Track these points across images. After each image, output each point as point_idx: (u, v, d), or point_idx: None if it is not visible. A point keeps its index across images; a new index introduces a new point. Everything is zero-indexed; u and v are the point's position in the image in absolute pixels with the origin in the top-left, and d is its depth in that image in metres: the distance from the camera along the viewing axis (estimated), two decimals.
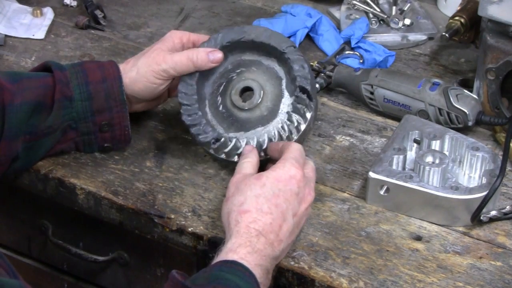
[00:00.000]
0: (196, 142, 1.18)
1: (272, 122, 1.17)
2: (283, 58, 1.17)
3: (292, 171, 1.03)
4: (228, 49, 1.19)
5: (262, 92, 1.18)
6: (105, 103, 1.17)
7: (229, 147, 1.15)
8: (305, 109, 1.15)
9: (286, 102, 1.18)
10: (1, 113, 1.12)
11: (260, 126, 1.18)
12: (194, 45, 1.21)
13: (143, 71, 1.17)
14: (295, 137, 1.15)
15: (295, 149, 1.07)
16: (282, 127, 1.15)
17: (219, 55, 1.17)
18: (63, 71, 1.17)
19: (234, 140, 1.15)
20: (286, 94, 1.18)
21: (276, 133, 1.15)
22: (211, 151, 1.16)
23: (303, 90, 1.15)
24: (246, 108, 1.17)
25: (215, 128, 1.19)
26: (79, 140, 1.20)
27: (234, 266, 0.95)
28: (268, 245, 0.98)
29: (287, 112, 1.16)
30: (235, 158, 1.15)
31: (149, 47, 1.21)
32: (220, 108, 1.20)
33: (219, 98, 1.20)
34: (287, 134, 1.15)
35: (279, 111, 1.17)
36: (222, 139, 1.15)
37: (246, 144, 1.14)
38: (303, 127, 1.15)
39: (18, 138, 1.14)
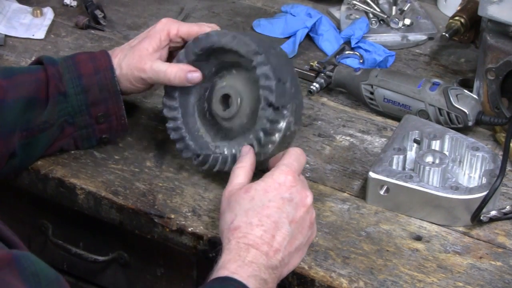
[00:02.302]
0: None
1: (252, 130, 1.12)
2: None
3: (281, 178, 1.01)
4: (208, 53, 1.15)
5: (239, 100, 1.13)
6: (100, 95, 1.17)
7: (207, 165, 1.15)
8: (270, 123, 1.09)
9: None
10: None
11: (241, 134, 1.14)
12: (183, 39, 1.19)
13: (125, 72, 1.18)
14: (272, 148, 1.11)
15: (290, 155, 1.05)
16: (257, 138, 1.10)
17: (197, 75, 1.14)
18: (55, 66, 1.17)
19: (211, 157, 1.14)
20: None
21: (254, 143, 1.11)
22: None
23: (268, 103, 1.09)
24: (226, 117, 1.15)
25: (203, 136, 1.18)
26: (77, 135, 1.20)
27: (225, 281, 0.93)
28: (260, 256, 0.96)
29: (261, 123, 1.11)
30: (215, 169, 1.14)
31: (137, 38, 1.20)
32: (207, 115, 1.18)
33: (206, 105, 1.18)
34: (261, 147, 1.11)
35: (258, 118, 1.12)
36: (201, 157, 1.15)
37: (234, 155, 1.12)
38: (277, 137, 1.10)
39: (13, 134, 1.13)
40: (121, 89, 1.19)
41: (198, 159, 1.16)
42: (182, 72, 1.14)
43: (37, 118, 1.15)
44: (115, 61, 1.19)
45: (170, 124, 1.18)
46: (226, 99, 1.15)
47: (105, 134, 1.21)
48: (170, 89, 1.18)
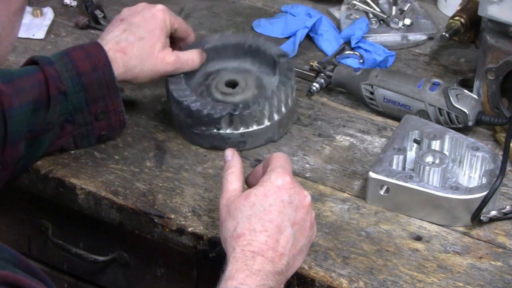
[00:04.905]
0: (205, 127, 1.22)
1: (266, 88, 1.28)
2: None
3: (279, 181, 1.01)
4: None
5: (245, 82, 1.28)
6: (99, 92, 1.18)
7: (246, 115, 1.22)
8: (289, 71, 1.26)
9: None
10: (2, 117, 1.11)
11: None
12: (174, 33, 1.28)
13: (148, 71, 1.23)
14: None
15: (278, 157, 1.05)
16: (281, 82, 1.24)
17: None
18: (52, 65, 1.16)
19: (252, 108, 1.22)
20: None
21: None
22: (226, 130, 1.22)
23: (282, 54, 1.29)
24: (229, 93, 1.26)
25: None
26: (76, 133, 1.20)
27: None
28: (266, 263, 0.96)
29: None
30: (254, 127, 1.22)
31: (134, 29, 1.23)
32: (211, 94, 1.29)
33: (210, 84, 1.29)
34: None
35: (278, 69, 1.28)
36: (237, 112, 1.21)
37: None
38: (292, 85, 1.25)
39: (21, 140, 1.14)
40: (139, 81, 1.24)
41: (238, 110, 1.21)
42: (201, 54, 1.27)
43: (41, 120, 1.15)
44: (129, 57, 1.21)
45: (183, 99, 1.23)
46: (231, 83, 1.28)
47: (104, 131, 1.22)
48: (172, 77, 1.26)
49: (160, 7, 1.25)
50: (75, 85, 1.17)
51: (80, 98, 1.17)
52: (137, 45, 1.21)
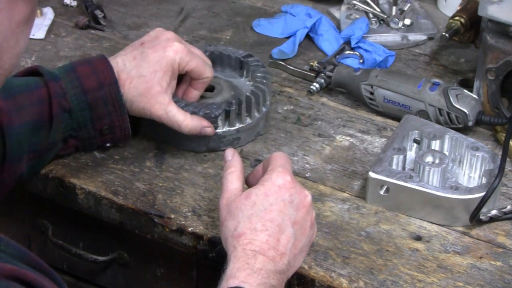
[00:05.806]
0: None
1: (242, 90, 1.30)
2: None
3: (280, 181, 1.01)
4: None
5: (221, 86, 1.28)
6: (104, 109, 1.16)
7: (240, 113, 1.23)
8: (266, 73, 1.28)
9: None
10: (1, 135, 1.09)
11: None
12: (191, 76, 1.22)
13: (137, 109, 1.19)
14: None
15: (278, 157, 1.05)
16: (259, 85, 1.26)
17: (210, 130, 1.20)
18: (57, 82, 1.14)
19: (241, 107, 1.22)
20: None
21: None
22: (218, 130, 1.22)
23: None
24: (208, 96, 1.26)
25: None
26: (79, 144, 1.20)
27: None
28: (268, 262, 0.96)
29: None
30: (248, 120, 1.23)
31: (146, 64, 1.17)
32: None
33: None
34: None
35: (252, 73, 1.30)
36: (233, 107, 1.21)
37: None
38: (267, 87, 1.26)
39: (21, 159, 1.13)
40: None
41: (233, 106, 1.21)
42: (197, 127, 1.19)
43: (43, 140, 1.14)
44: (124, 90, 1.17)
45: (183, 106, 1.21)
46: (208, 87, 1.26)
47: (107, 143, 1.21)
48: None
49: (176, 47, 1.18)
50: (80, 103, 1.15)
51: (85, 115, 1.16)
52: (135, 82, 1.17)
